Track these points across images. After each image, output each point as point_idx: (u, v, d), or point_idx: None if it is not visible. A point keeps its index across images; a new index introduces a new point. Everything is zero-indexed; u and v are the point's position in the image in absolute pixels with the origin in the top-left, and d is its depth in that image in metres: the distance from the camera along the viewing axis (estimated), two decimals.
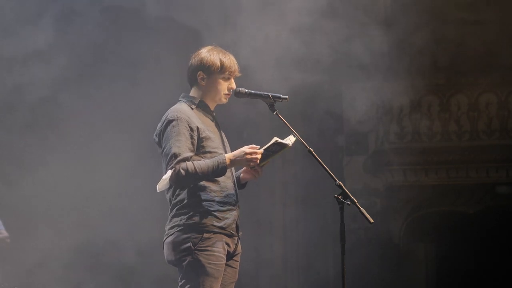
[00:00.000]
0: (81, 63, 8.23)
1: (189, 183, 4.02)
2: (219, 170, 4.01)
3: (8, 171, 8.33)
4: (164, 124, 4.09)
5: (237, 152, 4.07)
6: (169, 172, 3.98)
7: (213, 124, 4.22)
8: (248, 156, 4.04)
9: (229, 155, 4.06)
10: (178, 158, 3.98)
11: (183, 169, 3.96)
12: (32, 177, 8.23)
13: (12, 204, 8.13)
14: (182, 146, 4.01)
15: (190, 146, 4.05)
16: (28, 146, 8.35)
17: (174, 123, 4.06)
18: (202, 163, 3.99)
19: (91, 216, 8.35)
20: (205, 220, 4.02)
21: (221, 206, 4.08)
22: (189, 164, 3.98)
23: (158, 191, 4.07)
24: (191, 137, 4.06)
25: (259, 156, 4.05)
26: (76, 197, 8.37)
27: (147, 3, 8.07)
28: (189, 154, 4.02)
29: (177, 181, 3.99)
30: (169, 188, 4.12)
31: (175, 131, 4.04)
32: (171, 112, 4.12)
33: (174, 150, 3.99)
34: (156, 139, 4.15)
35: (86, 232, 8.22)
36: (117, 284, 8.37)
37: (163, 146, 4.07)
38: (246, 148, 4.06)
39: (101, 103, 8.39)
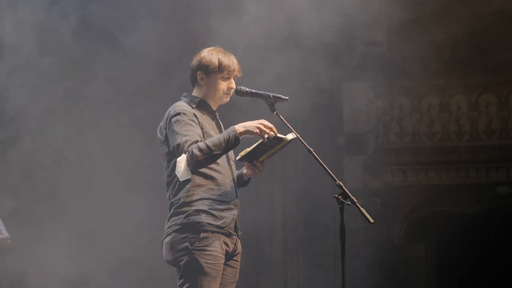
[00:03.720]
0: None
1: (206, 162, 3.96)
2: (231, 140, 3.95)
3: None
4: (168, 120, 4.07)
5: (251, 121, 4.04)
6: (184, 157, 3.95)
7: (213, 123, 4.20)
8: (263, 122, 4.01)
9: (239, 124, 4.02)
10: (189, 142, 3.95)
11: (195, 149, 3.92)
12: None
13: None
14: (191, 134, 3.99)
15: (199, 132, 4.04)
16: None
17: (179, 117, 4.05)
18: (213, 138, 3.97)
19: None
20: (202, 219, 3.99)
21: (219, 205, 4.04)
22: (200, 143, 3.94)
23: (181, 180, 4.00)
24: (198, 126, 4.05)
25: (274, 131, 3.99)
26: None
27: None
28: (199, 139, 3.99)
29: (193, 163, 3.93)
30: (167, 187, 4.11)
31: (181, 123, 4.02)
32: (173, 108, 4.12)
33: (184, 138, 3.97)
34: (161, 137, 4.12)
35: None
36: None
37: (171, 141, 4.04)
38: (262, 120, 4.04)
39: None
